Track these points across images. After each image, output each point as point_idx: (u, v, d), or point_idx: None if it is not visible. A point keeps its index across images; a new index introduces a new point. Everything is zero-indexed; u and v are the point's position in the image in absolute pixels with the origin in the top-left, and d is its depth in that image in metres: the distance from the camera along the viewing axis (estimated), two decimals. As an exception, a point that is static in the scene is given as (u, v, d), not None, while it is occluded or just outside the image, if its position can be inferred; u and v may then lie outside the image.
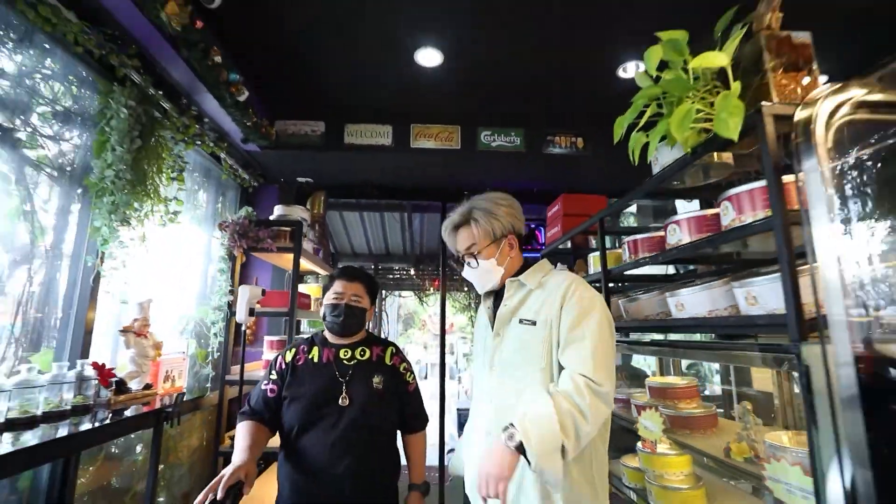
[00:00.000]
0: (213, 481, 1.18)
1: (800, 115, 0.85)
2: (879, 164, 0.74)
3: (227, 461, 2.13)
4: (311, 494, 1.36)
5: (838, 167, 0.75)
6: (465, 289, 6.96)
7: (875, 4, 0.93)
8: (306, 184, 3.64)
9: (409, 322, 16.15)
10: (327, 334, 1.57)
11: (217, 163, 3.01)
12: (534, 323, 1.24)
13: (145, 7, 1.60)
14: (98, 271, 1.93)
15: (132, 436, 2.32)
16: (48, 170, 2.01)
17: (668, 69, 1.15)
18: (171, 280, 2.64)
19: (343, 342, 1.55)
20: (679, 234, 1.34)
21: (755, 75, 1.02)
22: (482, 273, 1.32)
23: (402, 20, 2.18)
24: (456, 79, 2.66)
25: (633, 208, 4.44)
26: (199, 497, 1.15)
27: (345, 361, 1.50)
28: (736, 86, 0.95)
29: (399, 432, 1.60)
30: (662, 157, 1.36)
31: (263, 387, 1.50)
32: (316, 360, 1.50)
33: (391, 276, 7.28)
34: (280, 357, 1.55)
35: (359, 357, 1.52)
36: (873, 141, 0.76)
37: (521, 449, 1.00)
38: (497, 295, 1.38)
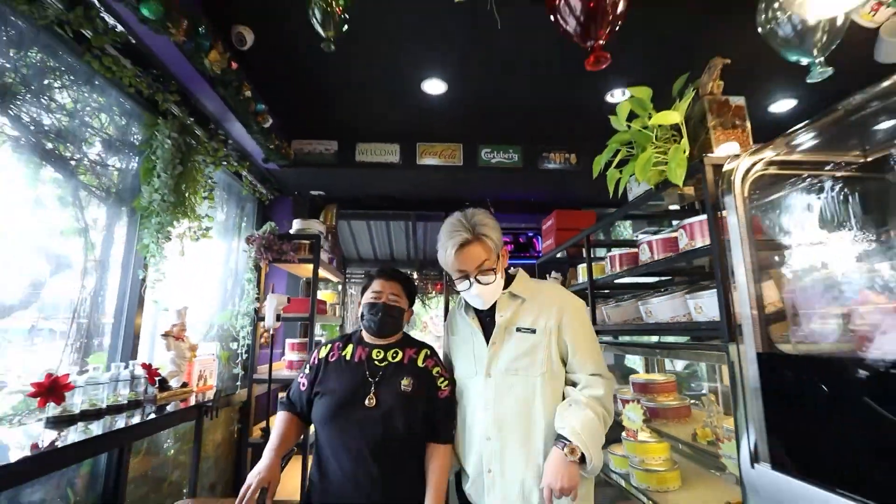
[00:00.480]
0: (241, 493, 1.23)
1: (726, 168, 1.10)
2: (778, 210, 0.98)
3: (256, 451, 2.38)
4: (335, 496, 1.34)
5: (749, 210, 1.01)
6: (467, 292, 7.20)
7: (801, 72, 1.16)
8: (319, 197, 3.90)
9: (412, 324, 16.37)
10: (364, 334, 1.55)
11: (238, 179, 3.27)
12: (533, 331, 1.31)
13: (193, 57, 1.86)
14: (144, 282, 2.18)
15: (164, 431, 2.58)
16: (98, 192, 2.27)
17: (637, 119, 1.41)
18: (198, 288, 2.90)
19: (378, 342, 1.52)
20: (647, 253, 1.60)
21: (702, 130, 1.28)
22: (493, 289, 1.33)
23: (411, 57, 2.45)
24: (458, 104, 2.92)
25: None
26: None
27: (376, 362, 1.47)
28: (685, 142, 1.21)
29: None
30: (635, 188, 1.62)
31: (299, 380, 1.52)
32: (349, 357, 1.49)
33: (395, 280, 7.52)
34: (315, 352, 1.55)
35: (390, 359, 1.48)
36: (775, 192, 1.01)
37: (582, 459, 1.14)
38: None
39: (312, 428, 1.50)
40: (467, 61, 2.48)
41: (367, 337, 1.54)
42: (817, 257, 0.97)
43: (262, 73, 2.55)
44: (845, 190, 0.99)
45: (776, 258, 1.06)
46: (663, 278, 2.30)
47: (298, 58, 2.48)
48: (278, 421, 1.46)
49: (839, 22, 0.99)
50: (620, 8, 1.06)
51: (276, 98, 2.87)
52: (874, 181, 1.06)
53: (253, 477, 1.26)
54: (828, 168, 1.05)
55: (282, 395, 1.56)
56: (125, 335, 2.15)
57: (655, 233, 1.61)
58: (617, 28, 1.10)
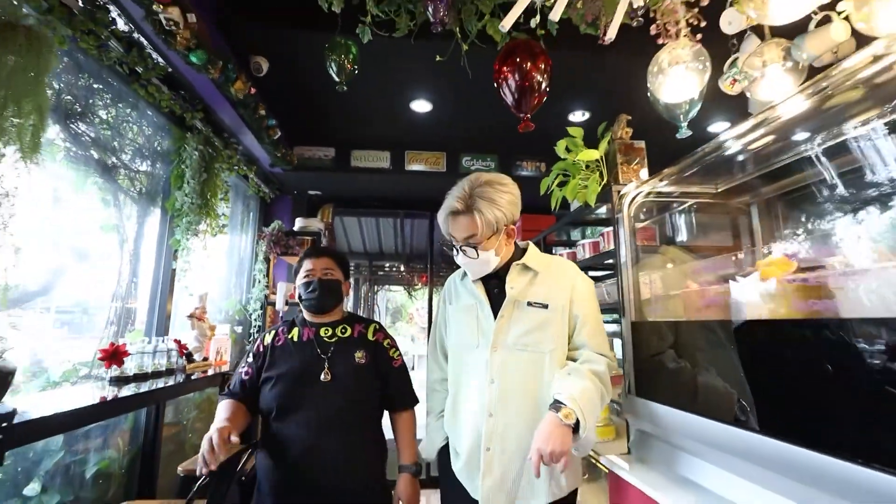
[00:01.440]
0: (205, 446, 1.15)
1: (621, 194, 1.57)
2: (657, 227, 1.46)
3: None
4: (298, 477, 1.32)
5: (633, 225, 1.49)
6: (450, 284, 7.69)
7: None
8: (316, 196, 4.31)
9: (397, 315, 16.79)
10: (306, 314, 1.54)
11: (245, 180, 3.67)
12: (545, 306, 1.26)
13: (222, 87, 2.27)
14: (174, 271, 2.60)
15: (184, 401, 3.01)
16: (131, 193, 2.67)
17: (570, 152, 1.88)
18: (210, 277, 3.30)
19: (323, 320, 1.51)
20: (583, 252, 2.08)
21: (615, 165, 1.75)
22: (480, 263, 1.28)
23: (401, 84, 2.88)
24: (442, 120, 3.37)
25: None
26: (200, 468, 1.14)
27: (325, 339, 1.46)
28: (597, 175, 1.69)
29: (387, 412, 1.55)
30: (576, 202, 2.10)
31: (240, 370, 1.48)
32: (296, 339, 1.47)
33: (382, 273, 7.98)
34: (259, 340, 1.52)
35: (340, 334, 1.49)
36: (652, 213, 1.49)
37: (576, 426, 1.08)
38: (487, 277, 1.35)
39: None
40: (450, 88, 2.93)
41: (310, 317, 1.53)
42: (670, 260, 1.45)
43: (272, 90, 2.96)
44: (699, 212, 1.48)
45: (648, 259, 1.55)
46: (607, 272, 2.80)
47: (304, 79, 2.89)
48: (220, 407, 1.38)
49: (696, 98, 1.46)
50: (544, 87, 1.52)
51: (282, 110, 3.27)
52: (721, 206, 1.54)
53: (212, 430, 1.19)
54: (689, 195, 1.53)
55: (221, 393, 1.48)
56: (159, 316, 2.57)
57: (590, 236, 2.10)
58: (543, 101, 1.57)
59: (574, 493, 1.27)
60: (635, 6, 1.22)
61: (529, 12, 1.41)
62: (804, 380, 0.90)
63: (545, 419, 1.11)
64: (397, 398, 1.53)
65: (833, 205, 1.15)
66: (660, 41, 1.31)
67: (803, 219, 1.30)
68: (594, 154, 1.71)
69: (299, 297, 1.50)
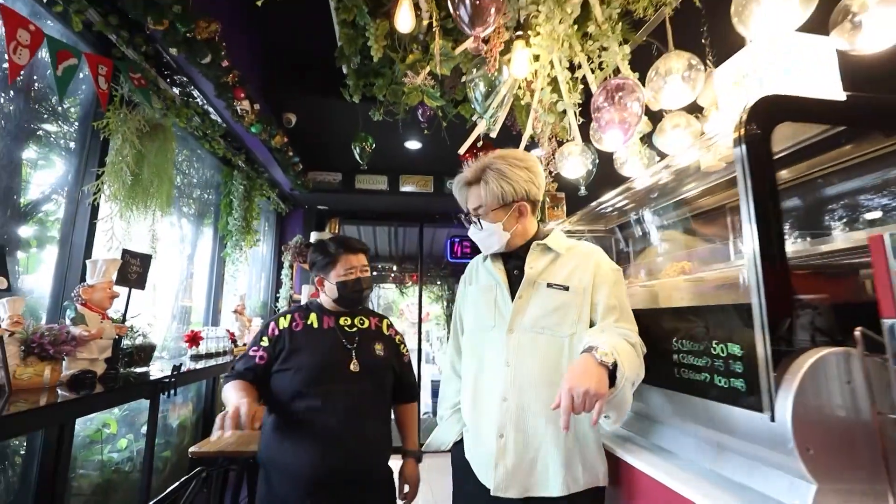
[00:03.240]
0: (231, 414, 1.09)
1: (546, 231, 2.40)
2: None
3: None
4: (324, 464, 1.31)
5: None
6: (439, 282, 8.52)
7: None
8: (324, 210, 5.12)
9: (388, 311, 17.52)
10: (326, 304, 1.53)
11: (267, 199, 4.46)
12: (566, 288, 1.19)
13: (265, 141, 3.06)
14: (223, 276, 3.39)
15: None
16: (189, 216, 3.45)
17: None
18: (244, 279, 4.10)
19: (343, 310, 1.52)
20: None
21: (544, 209, 2.56)
22: (486, 236, 1.25)
23: (398, 132, 3.70)
24: (430, 153, 4.19)
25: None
26: (227, 422, 1.07)
27: (346, 328, 1.48)
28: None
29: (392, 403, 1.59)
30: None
31: (252, 353, 1.42)
32: (316, 325, 1.46)
33: (375, 272, 8.79)
34: (273, 323, 1.47)
35: (359, 325, 1.51)
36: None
37: (612, 372, 0.95)
38: (508, 258, 1.30)
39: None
40: (434, 136, 3.75)
41: (330, 306, 1.52)
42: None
43: (294, 132, 3.76)
44: (596, 241, 2.32)
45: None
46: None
47: (321, 125, 3.69)
48: (234, 385, 1.32)
49: (585, 174, 2.28)
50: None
51: (301, 145, 4.07)
52: (607, 238, 2.39)
53: (241, 403, 1.13)
54: (589, 230, 2.37)
55: (228, 371, 1.44)
56: (213, 311, 3.36)
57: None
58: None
59: (598, 491, 1.18)
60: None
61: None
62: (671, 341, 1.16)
63: (578, 360, 0.98)
64: (406, 391, 1.59)
65: (653, 240, 2.01)
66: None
67: (647, 246, 2.16)
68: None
69: (339, 292, 1.45)
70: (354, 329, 1.50)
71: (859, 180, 1.36)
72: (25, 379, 1.49)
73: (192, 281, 3.44)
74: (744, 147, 0.96)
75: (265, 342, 1.44)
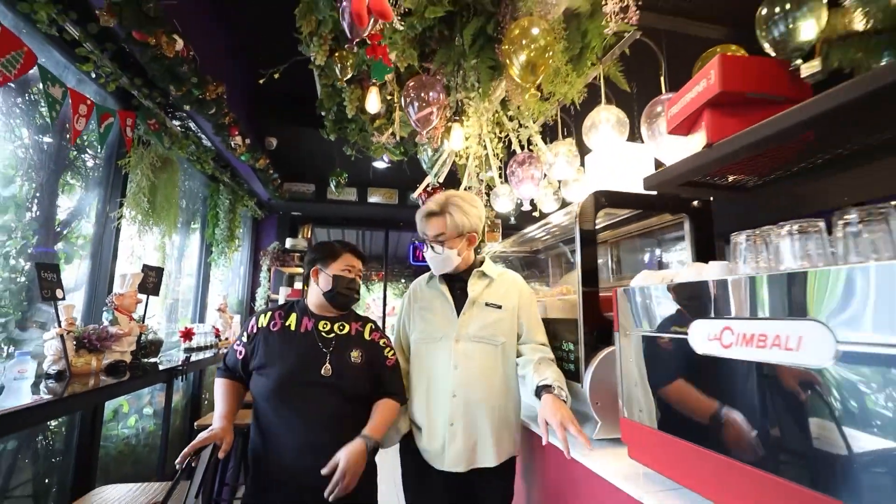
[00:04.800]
0: (192, 444, 1.23)
1: (486, 251, 3.02)
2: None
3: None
4: (292, 471, 1.33)
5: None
6: (403, 280, 9.09)
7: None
8: (297, 216, 5.59)
9: (355, 305, 17.83)
10: (312, 305, 1.52)
11: (245, 207, 4.90)
12: (499, 307, 1.50)
13: (250, 164, 3.54)
14: (208, 279, 3.85)
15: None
16: (179, 225, 3.88)
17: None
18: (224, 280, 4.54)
19: (326, 314, 1.51)
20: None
21: (484, 233, 3.20)
22: (444, 259, 1.48)
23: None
24: (395, 170, 4.75)
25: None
26: (178, 459, 1.20)
27: (324, 333, 1.46)
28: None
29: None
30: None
31: (236, 347, 1.47)
32: (293, 328, 1.46)
33: (344, 269, 9.27)
34: (253, 320, 1.49)
35: (337, 331, 1.49)
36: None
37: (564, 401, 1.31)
38: (451, 280, 1.56)
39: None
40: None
41: (315, 308, 1.51)
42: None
43: (274, 151, 4.23)
44: (524, 261, 2.98)
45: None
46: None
47: (298, 145, 4.19)
48: (220, 388, 1.44)
49: (514, 209, 2.92)
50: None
51: (279, 158, 4.54)
52: (534, 259, 3.06)
53: (206, 432, 1.28)
54: (518, 252, 3.03)
55: (219, 364, 1.51)
56: (199, 309, 3.82)
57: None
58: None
59: (513, 459, 1.53)
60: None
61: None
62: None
63: (547, 401, 1.29)
64: (389, 390, 1.50)
65: (551, 266, 2.68)
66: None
67: (557, 269, 2.83)
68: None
69: (332, 288, 1.45)
70: (332, 335, 1.47)
71: (655, 238, 2.06)
72: (79, 366, 1.97)
73: (181, 282, 3.88)
74: (577, 227, 1.61)
75: (245, 338, 1.46)
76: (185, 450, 1.21)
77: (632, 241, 2.19)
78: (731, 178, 1.28)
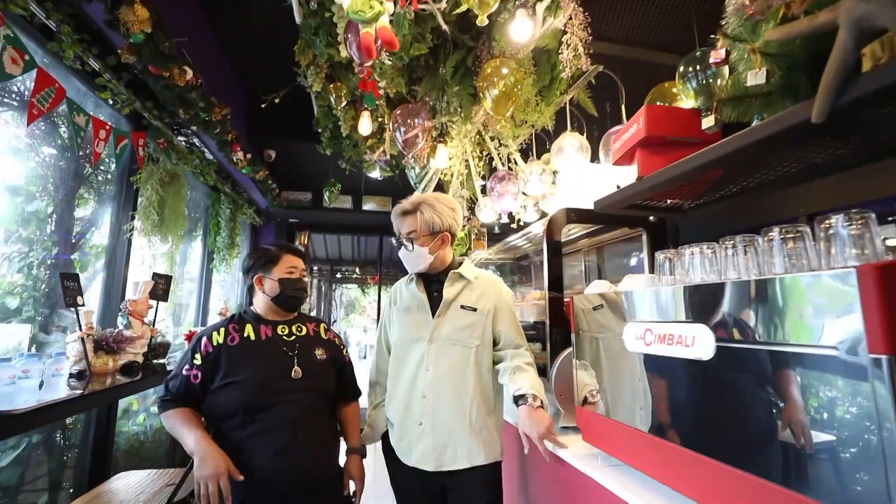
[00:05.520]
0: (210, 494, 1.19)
1: (473, 258, 3.24)
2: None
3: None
4: (279, 472, 1.32)
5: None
6: (398, 284, 9.30)
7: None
8: (294, 223, 5.79)
9: (351, 308, 18.08)
10: (263, 312, 1.50)
11: (244, 214, 5.10)
12: (474, 310, 1.50)
13: (250, 175, 3.74)
14: (210, 284, 4.05)
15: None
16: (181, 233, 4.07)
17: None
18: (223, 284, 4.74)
19: (280, 319, 1.51)
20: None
21: (471, 240, 3.41)
22: (415, 257, 1.49)
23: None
24: (388, 179, 4.96)
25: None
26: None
27: (284, 337, 1.47)
28: (461, 247, 3.38)
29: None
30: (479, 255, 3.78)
31: (185, 373, 1.35)
32: (254, 338, 1.43)
33: (339, 275, 9.46)
34: (205, 339, 1.40)
35: (297, 332, 1.50)
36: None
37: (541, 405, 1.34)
38: (427, 281, 1.57)
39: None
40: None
41: (267, 315, 1.50)
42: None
43: (274, 162, 4.44)
44: (509, 267, 3.18)
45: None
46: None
47: (295, 156, 4.39)
48: (181, 416, 1.32)
49: (497, 220, 3.14)
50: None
51: (277, 168, 4.75)
52: (517, 265, 3.27)
53: (205, 476, 1.21)
54: (503, 259, 3.23)
55: (161, 391, 1.38)
56: (202, 312, 4.02)
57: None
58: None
59: (496, 465, 1.48)
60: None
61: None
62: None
63: (524, 413, 1.32)
64: (348, 391, 1.61)
65: (537, 271, 2.91)
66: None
67: (540, 274, 3.05)
68: (461, 234, 3.39)
69: (280, 291, 1.45)
70: (293, 337, 1.48)
71: (613, 250, 2.29)
72: (98, 366, 2.17)
73: (184, 287, 4.07)
74: (545, 240, 1.83)
75: (198, 360, 1.35)
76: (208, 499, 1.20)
77: (613, 247, 2.42)
78: (668, 202, 1.50)
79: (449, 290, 1.51)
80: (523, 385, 1.38)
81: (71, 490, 2.35)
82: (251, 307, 1.54)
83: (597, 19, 2.37)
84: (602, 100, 2.28)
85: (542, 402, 1.36)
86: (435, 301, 1.53)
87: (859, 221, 0.75)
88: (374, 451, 1.72)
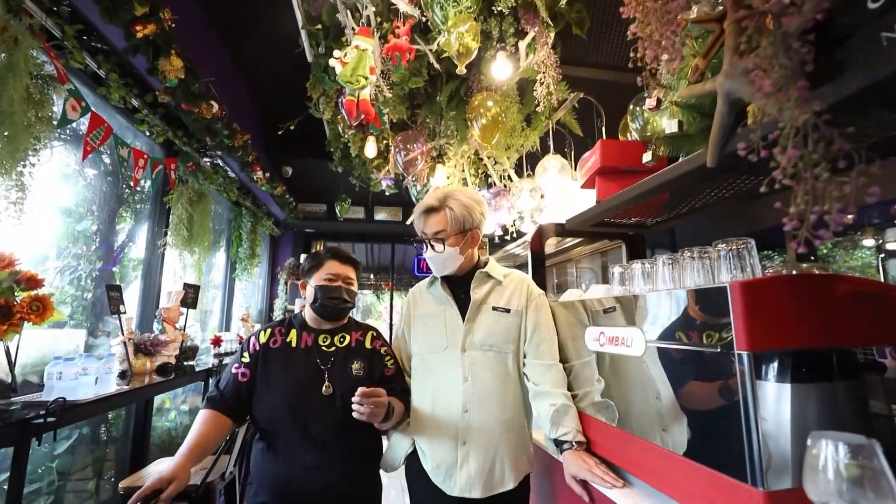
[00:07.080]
0: (138, 492, 1.07)
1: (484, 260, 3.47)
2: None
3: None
4: (298, 492, 1.29)
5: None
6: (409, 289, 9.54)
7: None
8: (310, 233, 6.10)
9: (368, 313, 18.42)
10: (308, 318, 1.47)
11: (263, 226, 5.43)
12: (508, 311, 1.37)
13: (268, 191, 4.04)
14: (233, 292, 4.36)
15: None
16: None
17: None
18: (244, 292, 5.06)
19: (325, 327, 1.46)
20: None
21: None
22: (445, 258, 1.36)
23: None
24: (400, 193, 5.23)
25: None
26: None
27: (324, 348, 1.41)
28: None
29: None
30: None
31: (234, 370, 1.36)
32: (294, 344, 1.41)
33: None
34: (254, 338, 1.42)
35: (338, 344, 1.44)
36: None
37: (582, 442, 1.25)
38: (453, 284, 1.43)
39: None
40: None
41: (311, 322, 1.47)
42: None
43: (290, 176, 4.74)
44: None
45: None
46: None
47: (310, 171, 4.69)
48: (201, 420, 1.30)
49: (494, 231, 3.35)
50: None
51: (294, 182, 5.05)
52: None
53: (153, 474, 1.13)
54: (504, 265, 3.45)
55: (211, 388, 1.40)
56: (226, 319, 4.32)
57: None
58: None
59: (528, 476, 1.39)
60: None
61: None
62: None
63: (569, 458, 1.24)
64: (393, 392, 1.41)
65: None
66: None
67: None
68: (465, 243, 3.62)
69: (315, 299, 1.41)
70: (332, 349, 1.43)
71: (602, 259, 2.49)
72: (138, 367, 2.46)
73: (208, 294, 4.39)
74: (530, 252, 2.04)
75: (246, 358, 1.38)
76: (132, 499, 1.06)
77: (602, 256, 2.63)
78: (633, 220, 1.70)
79: (477, 292, 1.40)
80: (568, 428, 1.28)
81: (112, 479, 2.64)
82: (301, 312, 1.53)
83: (582, 47, 2.60)
84: (591, 119, 2.49)
85: (582, 438, 1.28)
86: (463, 304, 1.40)
87: (741, 247, 0.95)
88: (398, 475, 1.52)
